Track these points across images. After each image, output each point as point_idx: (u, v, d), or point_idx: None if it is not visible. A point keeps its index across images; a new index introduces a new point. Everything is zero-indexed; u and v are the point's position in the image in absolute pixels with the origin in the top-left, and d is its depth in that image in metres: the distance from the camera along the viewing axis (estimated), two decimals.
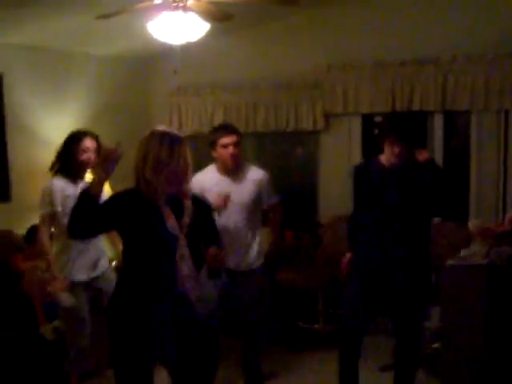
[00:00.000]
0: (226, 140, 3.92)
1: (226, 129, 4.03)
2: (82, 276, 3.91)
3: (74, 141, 3.91)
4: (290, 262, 5.44)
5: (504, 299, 3.08)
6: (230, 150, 3.91)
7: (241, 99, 5.94)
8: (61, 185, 3.88)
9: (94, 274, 3.96)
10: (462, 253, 3.52)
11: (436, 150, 5.40)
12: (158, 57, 6.05)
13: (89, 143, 3.90)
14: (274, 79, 5.80)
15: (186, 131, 6.12)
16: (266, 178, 4.17)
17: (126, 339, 2.74)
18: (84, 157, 3.87)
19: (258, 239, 4.13)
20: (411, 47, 5.30)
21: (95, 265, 3.98)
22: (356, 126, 5.68)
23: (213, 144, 3.97)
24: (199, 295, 2.85)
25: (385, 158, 3.63)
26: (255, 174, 4.13)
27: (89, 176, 3.91)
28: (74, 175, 3.92)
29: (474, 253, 3.36)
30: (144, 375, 2.79)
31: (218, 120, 5.98)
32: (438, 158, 5.40)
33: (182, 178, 2.75)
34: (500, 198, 5.13)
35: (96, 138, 3.97)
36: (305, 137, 5.89)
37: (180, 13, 3.55)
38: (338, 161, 5.71)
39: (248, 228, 4.07)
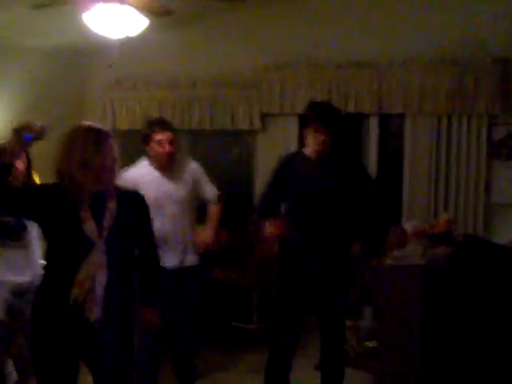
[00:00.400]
0: (161, 136, 3.81)
1: (161, 124, 3.89)
2: None
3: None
4: (224, 261, 5.40)
5: (440, 299, 3.14)
6: (166, 148, 3.81)
7: (177, 96, 5.87)
8: None
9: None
10: (396, 253, 3.57)
11: (371, 152, 5.49)
12: (95, 50, 5.91)
13: None
14: (212, 77, 5.76)
15: (120, 127, 6.02)
16: (200, 171, 4.12)
17: (42, 343, 2.66)
18: None
19: (193, 236, 4.06)
20: (348, 50, 5.35)
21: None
22: (293, 126, 5.68)
23: (146, 138, 3.85)
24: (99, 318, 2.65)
25: (309, 150, 3.67)
26: (189, 167, 4.06)
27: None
28: None
29: (411, 253, 3.42)
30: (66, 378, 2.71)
31: (154, 116, 5.90)
32: (373, 160, 5.51)
33: (110, 174, 2.65)
34: (432, 200, 5.24)
35: None
36: (241, 136, 5.86)
37: (116, 5, 3.46)
38: (274, 161, 5.61)
39: (186, 225, 4.00)
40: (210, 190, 4.16)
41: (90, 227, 2.59)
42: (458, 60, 5.04)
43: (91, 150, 2.54)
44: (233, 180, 5.99)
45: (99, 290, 2.62)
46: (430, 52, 5.13)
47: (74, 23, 5.02)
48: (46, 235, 2.71)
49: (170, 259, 3.87)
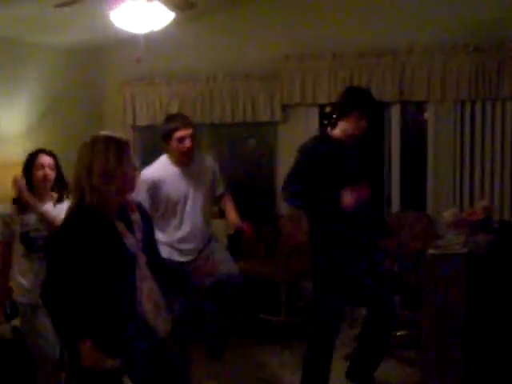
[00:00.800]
0: (182, 133, 3.75)
1: (181, 121, 3.84)
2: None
3: (29, 160, 3.66)
4: (249, 254, 5.40)
5: (483, 287, 3.12)
6: (187, 143, 3.76)
7: (197, 90, 5.85)
8: (7, 215, 3.62)
9: None
10: (438, 242, 3.56)
11: (393, 140, 5.46)
12: (113, 47, 5.92)
13: (43, 159, 3.63)
14: (232, 69, 5.74)
15: (140, 123, 6.02)
16: (216, 166, 4.12)
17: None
18: (39, 173, 3.60)
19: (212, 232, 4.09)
20: (369, 38, 5.32)
21: None
22: (313, 116, 5.68)
23: (167, 136, 3.80)
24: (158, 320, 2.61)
25: (343, 134, 3.58)
26: (207, 163, 4.05)
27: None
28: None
29: (452, 242, 3.40)
30: None
31: (174, 111, 5.88)
32: (396, 148, 5.48)
33: (132, 184, 2.54)
34: (456, 187, 5.21)
35: (52, 155, 3.70)
36: (262, 128, 5.83)
37: (143, 2, 3.46)
38: (295, 151, 5.67)
39: (206, 220, 4.00)
40: (221, 187, 4.16)
41: (130, 241, 2.52)
42: (480, 45, 5.00)
43: (113, 162, 2.44)
44: (255, 172, 5.96)
45: (160, 300, 2.61)
46: (451, 38, 5.10)
47: (92, 20, 5.06)
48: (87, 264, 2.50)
49: (188, 256, 3.89)
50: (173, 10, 3.66)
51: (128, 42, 5.73)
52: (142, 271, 2.56)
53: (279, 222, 5.66)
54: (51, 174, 3.61)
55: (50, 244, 2.58)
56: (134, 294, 2.53)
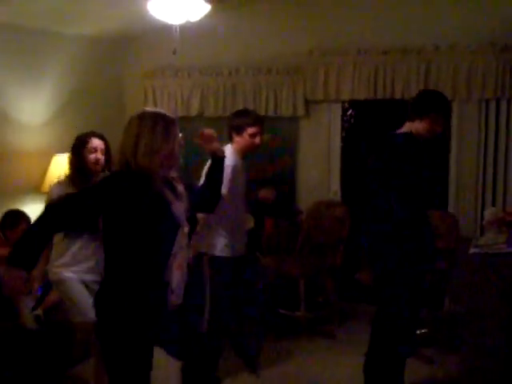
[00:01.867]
0: (255, 130, 3.94)
1: (256, 117, 4.04)
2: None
3: (81, 142, 3.72)
4: (270, 249, 5.39)
5: None
6: (257, 139, 3.95)
7: (219, 83, 5.82)
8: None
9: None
10: (479, 241, 3.55)
11: None
12: (136, 37, 5.90)
13: (96, 143, 3.71)
14: (254, 63, 5.70)
15: None
16: None
17: (125, 328, 2.59)
18: (92, 157, 3.68)
19: None
20: (395, 36, 5.29)
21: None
22: (336, 112, 5.67)
23: (239, 129, 3.96)
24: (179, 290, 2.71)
25: (420, 132, 3.51)
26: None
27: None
28: (78, 180, 3.68)
29: (494, 241, 3.39)
30: (145, 365, 2.68)
31: (195, 104, 5.88)
32: None
33: (176, 160, 2.62)
34: (480, 186, 5.20)
35: (102, 137, 3.78)
36: (284, 122, 5.80)
37: None
38: (317, 147, 5.68)
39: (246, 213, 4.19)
40: None
41: (178, 208, 2.59)
42: (507, 44, 4.97)
43: (160, 137, 2.51)
44: (276, 167, 5.91)
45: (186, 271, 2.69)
46: (478, 36, 5.06)
47: (115, 10, 5.04)
48: (115, 228, 2.58)
49: (239, 247, 3.99)
50: (208, 1, 3.64)
51: (151, 33, 5.77)
52: (182, 240, 2.63)
53: (299, 217, 5.65)
54: (102, 158, 3.69)
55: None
56: (167, 260, 2.60)
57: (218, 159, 3.04)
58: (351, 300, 5.61)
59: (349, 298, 5.60)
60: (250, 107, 5.71)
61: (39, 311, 4.16)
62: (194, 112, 5.88)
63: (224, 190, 3.43)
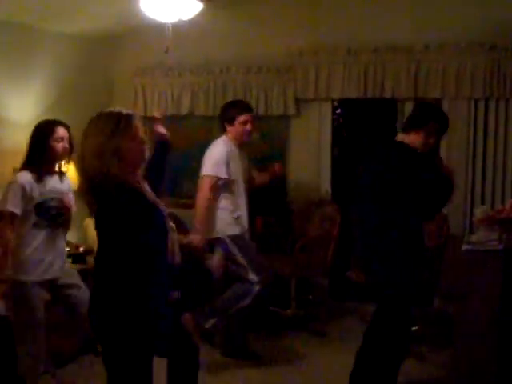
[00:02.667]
0: (246, 117, 4.33)
1: (245, 106, 4.44)
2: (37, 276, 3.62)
3: (46, 131, 3.65)
4: (261, 248, 5.38)
5: None
6: (249, 126, 4.33)
7: (209, 82, 5.81)
8: (29, 183, 3.56)
9: (48, 276, 3.64)
10: (471, 238, 3.58)
11: None
12: (125, 36, 5.87)
13: (62, 132, 3.65)
14: (245, 62, 5.70)
15: (151, 113, 5.95)
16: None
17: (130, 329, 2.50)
18: (59, 146, 3.61)
19: None
20: (384, 35, 5.31)
21: (51, 265, 3.65)
22: (327, 111, 5.68)
23: (231, 119, 4.32)
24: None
25: (414, 145, 3.56)
26: (244, 152, 4.54)
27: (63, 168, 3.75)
28: (44, 169, 3.64)
29: (486, 238, 3.43)
30: (148, 364, 2.63)
31: (186, 103, 5.86)
32: None
33: (140, 157, 2.52)
34: (468, 185, 5.24)
35: (66, 125, 3.72)
36: (275, 121, 5.81)
37: None
38: (308, 146, 5.69)
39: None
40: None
41: (164, 208, 2.60)
42: (496, 43, 5.02)
43: (117, 139, 2.39)
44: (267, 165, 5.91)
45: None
46: (466, 35, 5.11)
47: (104, 8, 5.03)
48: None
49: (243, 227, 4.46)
50: (200, 0, 3.64)
51: (141, 32, 5.75)
52: (173, 236, 2.63)
53: (291, 216, 5.66)
54: (68, 147, 3.62)
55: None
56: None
57: (164, 142, 3.03)
58: (342, 298, 5.62)
59: (339, 296, 5.61)
60: None
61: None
62: (184, 111, 5.88)
63: (223, 174, 4.18)
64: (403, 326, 3.61)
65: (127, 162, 2.44)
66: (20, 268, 3.54)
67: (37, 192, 3.56)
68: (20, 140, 5.01)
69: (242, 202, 4.43)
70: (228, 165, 4.24)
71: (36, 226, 3.59)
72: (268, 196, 5.76)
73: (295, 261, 5.12)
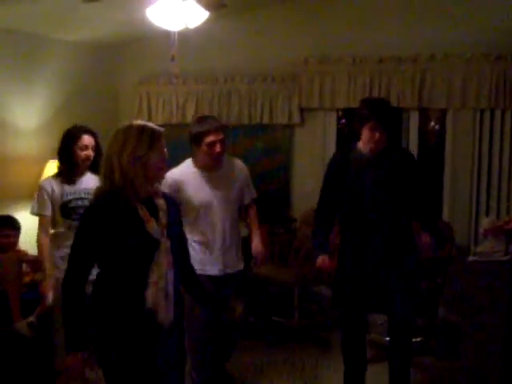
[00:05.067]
0: (213, 138, 3.66)
1: (212, 125, 3.71)
2: None
3: (71, 138, 3.84)
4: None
5: None
6: (217, 148, 3.67)
7: (214, 90, 5.82)
8: (49, 184, 3.87)
9: None
10: (478, 249, 3.56)
11: (411, 147, 5.44)
12: (130, 44, 5.88)
13: (87, 140, 3.83)
14: (250, 71, 5.71)
15: (155, 121, 5.95)
16: (246, 171, 4.03)
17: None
18: (83, 154, 3.81)
19: (239, 240, 4.00)
20: (390, 44, 5.32)
21: None
22: (331, 120, 5.68)
23: (197, 140, 3.70)
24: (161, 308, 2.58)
25: (363, 145, 3.59)
26: (235, 167, 3.96)
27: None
28: (73, 175, 3.85)
29: (493, 249, 3.41)
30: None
31: (191, 111, 5.87)
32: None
33: (160, 174, 2.64)
34: (473, 195, 5.23)
35: (94, 134, 3.89)
36: (279, 130, 5.80)
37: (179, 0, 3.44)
38: (312, 155, 5.68)
39: (234, 227, 3.89)
40: (250, 194, 4.07)
41: (152, 226, 2.56)
42: (502, 54, 5.02)
43: (145, 145, 2.51)
44: (271, 174, 5.90)
45: (170, 289, 2.60)
46: (472, 46, 5.11)
47: (110, 16, 5.03)
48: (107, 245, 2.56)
49: (213, 265, 3.79)
50: (206, 8, 3.64)
51: (145, 40, 5.77)
52: (161, 256, 2.57)
53: (294, 225, 5.65)
54: (92, 155, 3.83)
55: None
56: (145, 277, 2.54)
57: None
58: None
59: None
60: (245, 115, 5.75)
61: (33, 318, 4.12)
62: (189, 119, 5.86)
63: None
64: (346, 331, 3.76)
65: (148, 176, 2.56)
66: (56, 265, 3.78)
67: (59, 194, 3.79)
68: (24, 147, 5.06)
69: (211, 229, 3.80)
70: (176, 190, 3.63)
71: (65, 227, 3.78)
72: (272, 204, 5.76)
73: (298, 270, 5.10)
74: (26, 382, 3.92)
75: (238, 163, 4.03)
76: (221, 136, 3.71)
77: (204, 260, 3.75)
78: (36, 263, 4.21)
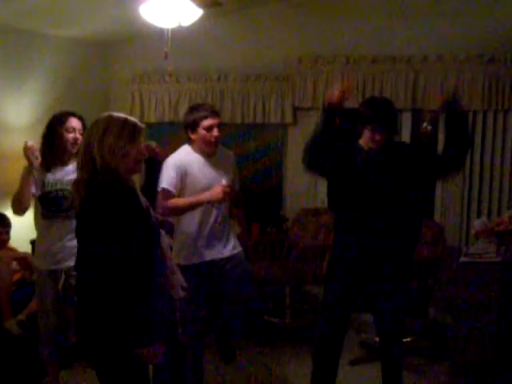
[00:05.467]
0: (210, 122, 3.67)
1: (209, 110, 3.73)
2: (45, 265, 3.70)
3: (58, 120, 3.70)
4: (256, 255, 5.37)
5: None
6: (214, 132, 3.68)
7: (207, 89, 5.80)
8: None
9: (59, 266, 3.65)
10: (470, 250, 3.57)
11: None
12: (122, 41, 5.86)
13: (75, 123, 3.68)
14: (243, 70, 5.70)
15: (148, 120, 5.94)
16: (234, 159, 4.05)
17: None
18: (70, 136, 3.64)
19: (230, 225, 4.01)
20: (383, 45, 5.34)
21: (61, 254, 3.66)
22: None
23: (194, 125, 3.69)
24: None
25: (364, 143, 3.56)
26: (227, 155, 3.97)
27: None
28: (55, 159, 3.69)
29: (484, 250, 3.41)
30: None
31: (183, 109, 5.82)
32: None
33: (136, 167, 2.58)
34: (465, 197, 5.24)
35: (80, 117, 3.74)
36: (272, 129, 5.80)
37: None
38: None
39: (226, 215, 3.90)
40: (238, 182, 4.12)
41: (152, 214, 2.61)
42: (494, 56, 5.04)
43: (126, 139, 2.48)
44: (263, 174, 5.91)
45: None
46: (465, 47, 5.13)
47: (102, 13, 5.01)
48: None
49: (215, 252, 3.80)
50: (199, 6, 3.63)
51: (138, 37, 5.75)
52: (165, 241, 2.71)
53: (286, 224, 5.65)
54: (80, 138, 3.59)
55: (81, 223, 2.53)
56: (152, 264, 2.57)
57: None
58: None
59: None
60: (239, 114, 5.74)
61: (22, 316, 4.09)
62: (181, 118, 5.80)
63: (171, 186, 3.57)
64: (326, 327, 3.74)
65: (127, 168, 2.53)
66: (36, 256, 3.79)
67: (40, 183, 3.65)
68: (16, 144, 5.00)
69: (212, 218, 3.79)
70: (183, 172, 3.69)
71: (45, 216, 3.67)
72: (264, 204, 5.77)
73: (290, 269, 5.10)
74: (15, 380, 3.90)
75: (227, 151, 4.06)
76: (217, 120, 3.74)
77: (199, 248, 3.75)
78: (25, 260, 4.20)
